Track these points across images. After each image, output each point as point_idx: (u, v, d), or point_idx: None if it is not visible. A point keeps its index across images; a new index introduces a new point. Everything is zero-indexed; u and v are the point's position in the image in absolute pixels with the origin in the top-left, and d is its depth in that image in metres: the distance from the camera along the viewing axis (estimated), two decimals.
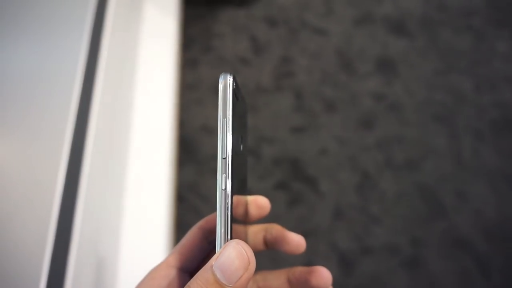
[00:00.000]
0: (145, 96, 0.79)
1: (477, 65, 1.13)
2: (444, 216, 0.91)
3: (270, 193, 0.91)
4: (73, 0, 0.43)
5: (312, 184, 0.93)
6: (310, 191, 0.92)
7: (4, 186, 0.31)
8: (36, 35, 0.39)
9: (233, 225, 0.22)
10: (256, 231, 0.25)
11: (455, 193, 0.94)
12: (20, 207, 0.31)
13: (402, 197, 0.93)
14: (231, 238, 0.20)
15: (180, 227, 0.83)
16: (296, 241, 0.24)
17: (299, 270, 0.24)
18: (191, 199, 0.88)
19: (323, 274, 0.23)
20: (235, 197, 0.21)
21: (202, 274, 0.18)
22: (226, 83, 0.22)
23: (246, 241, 0.24)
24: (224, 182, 0.20)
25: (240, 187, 0.23)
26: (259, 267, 0.83)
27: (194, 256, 0.24)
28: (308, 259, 0.85)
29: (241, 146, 0.24)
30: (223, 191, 0.20)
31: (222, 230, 0.20)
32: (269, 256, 0.93)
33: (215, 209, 0.27)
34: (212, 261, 0.18)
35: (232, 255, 0.18)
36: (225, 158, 0.21)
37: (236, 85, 0.23)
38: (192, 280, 0.18)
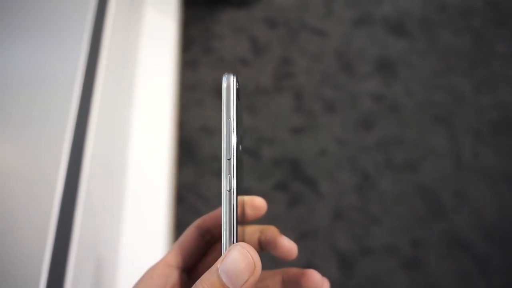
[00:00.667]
0: (145, 97, 0.79)
1: (477, 66, 1.13)
2: (443, 217, 0.92)
3: (270, 193, 0.91)
4: (73, 2, 0.43)
5: (312, 184, 0.93)
6: (309, 192, 0.92)
7: (4, 186, 0.31)
8: (36, 37, 0.40)
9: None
10: (251, 232, 0.26)
11: (454, 194, 0.94)
12: (21, 207, 0.31)
13: (402, 197, 0.93)
14: (237, 240, 0.20)
15: (180, 227, 0.83)
16: (287, 247, 0.23)
17: (293, 271, 0.24)
18: (190, 199, 0.88)
19: (314, 277, 0.23)
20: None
21: (208, 277, 0.18)
22: (229, 84, 0.22)
23: (243, 241, 0.24)
24: (229, 183, 0.20)
25: (239, 187, 0.23)
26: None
27: (192, 255, 0.24)
28: (308, 259, 0.85)
29: (240, 146, 0.24)
30: (228, 192, 0.20)
31: (228, 232, 0.20)
32: (268, 256, 0.92)
33: (214, 210, 0.27)
34: (218, 263, 0.18)
35: (238, 259, 0.18)
36: (230, 159, 0.20)
37: (238, 85, 0.23)
38: (197, 282, 0.18)
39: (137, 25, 0.83)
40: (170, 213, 0.75)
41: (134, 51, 0.80)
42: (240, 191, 0.23)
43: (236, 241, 0.20)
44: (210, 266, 0.25)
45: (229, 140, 0.21)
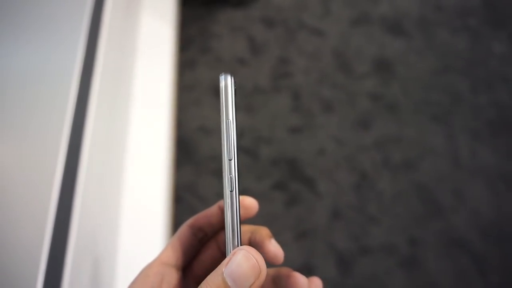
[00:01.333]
0: (143, 97, 0.79)
1: (474, 65, 1.14)
2: (441, 216, 0.92)
3: (268, 193, 0.91)
4: (70, 3, 0.43)
5: (310, 184, 0.93)
6: (307, 191, 0.92)
7: (1, 185, 0.31)
8: (33, 37, 0.39)
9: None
10: (243, 232, 0.26)
11: (452, 193, 0.95)
12: (17, 207, 0.31)
13: (400, 197, 0.93)
14: (240, 241, 0.20)
15: (178, 227, 0.83)
16: (272, 252, 0.23)
17: (283, 271, 0.24)
18: (188, 199, 0.88)
19: (298, 280, 0.23)
20: None
21: (213, 279, 0.18)
22: (227, 84, 0.21)
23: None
24: (232, 184, 0.20)
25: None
26: None
27: (186, 253, 0.24)
28: (306, 259, 0.85)
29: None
30: (231, 193, 0.20)
31: (231, 233, 0.20)
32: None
33: (207, 208, 0.27)
34: (223, 266, 0.18)
35: (243, 264, 0.18)
36: (231, 160, 0.20)
37: (235, 85, 0.22)
38: (202, 284, 0.18)
39: (135, 25, 0.83)
40: (168, 213, 0.75)
41: (132, 51, 0.79)
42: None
43: (240, 242, 0.20)
44: (205, 264, 0.25)
45: (230, 141, 0.20)
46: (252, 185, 0.92)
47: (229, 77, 0.21)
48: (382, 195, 0.93)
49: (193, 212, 0.93)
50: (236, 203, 0.20)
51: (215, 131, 0.97)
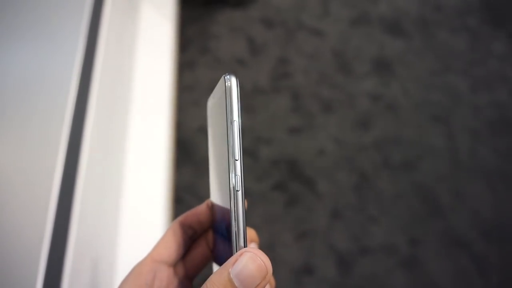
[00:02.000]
0: (142, 97, 0.79)
1: (473, 65, 1.14)
2: (441, 216, 0.92)
3: (268, 194, 0.91)
4: (69, 4, 0.43)
5: (310, 184, 0.93)
6: (307, 192, 0.92)
7: (0, 187, 0.31)
8: (32, 37, 0.39)
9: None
10: None
11: (452, 193, 0.94)
12: (16, 208, 0.31)
13: (400, 197, 0.93)
14: (246, 241, 0.20)
15: None
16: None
17: None
18: (188, 200, 0.88)
19: None
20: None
21: (218, 279, 0.18)
22: (232, 84, 0.21)
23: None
24: (237, 183, 0.20)
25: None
26: None
27: (176, 250, 0.25)
28: (307, 259, 0.85)
29: None
30: (238, 192, 0.20)
31: (237, 233, 0.20)
32: (268, 256, 0.92)
33: (196, 207, 0.27)
34: (229, 266, 0.18)
35: (250, 265, 0.18)
36: (237, 160, 0.20)
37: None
38: (207, 283, 0.18)
39: (134, 25, 0.83)
40: (168, 214, 0.75)
41: (131, 52, 0.79)
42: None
43: (246, 242, 0.20)
44: (195, 261, 0.26)
45: (236, 141, 0.20)
46: (252, 186, 0.92)
47: (233, 78, 0.21)
48: (382, 195, 0.93)
49: None
50: (242, 203, 0.20)
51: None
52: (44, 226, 0.30)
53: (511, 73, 1.12)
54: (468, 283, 0.85)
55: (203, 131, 0.97)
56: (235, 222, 0.20)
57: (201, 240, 0.27)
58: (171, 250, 0.24)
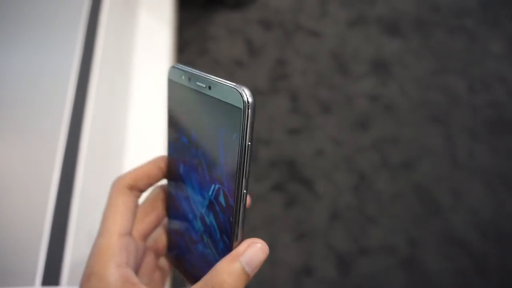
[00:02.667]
0: (141, 100, 0.79)
1: (471, 65, 1.14)
2: (440, 216, 0.92)
3: (267, 194, 0.91)
4: (67, 7, 0.43)
5: (309, 185, 0.93)
6: (306, 193, 0.92)
7: (0, 184, 0.31)
8: (30, 40, 0.39)
9: None
10: None
11: (450, 193, 0.95)
12: (16, 207, 0.31)
13: (398, 197, 0.94)
14: (243, 231, 0.21)
15: None
16: None
17: None
18: None
19: None
20: None
21: (230, 269, 0.20)
22: (249, 102, 0.18)
23: None
24: (244, 197, 0.20)
25: None
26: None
27: (130, 220, 0.23)
28: (306, 260, 0.85)
29: None
30: (244, 193, 0.20)
31: (240, 228, 0.21)
32: (267, 257, 0.92)
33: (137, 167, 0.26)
34: (238, 256, 0.20)
35: (260, 255, 0.20)
36: (247, 178, 0.20)
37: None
38: (225, 276, 0.20)
39: (132, 27, 0.83)
40: None
41: (129, 54, 0.80)
42: None
43: (243, 235, 0.21)
44: (151, 225, 0.25)
45: (248, 161, 0.20)
46: (251, 187, 0.92)
47: (247, 93, 0.18)
48: (380, 196, 0.93)
49: None
50: (245, 202, 0.21)
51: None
52: (43, 226, 0.30)
53: (509, 73, 1.13)
54: (467, 283, 0.85)
55: None
56: (237, 220, 0.21)
57: (148, 207, 0.26)
58: (131, 220, 0.23)
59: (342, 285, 0.83)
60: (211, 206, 0.22)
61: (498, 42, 1.18)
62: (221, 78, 0.20)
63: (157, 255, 0.26)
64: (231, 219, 0.21)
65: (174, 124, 0.23)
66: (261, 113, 1.03)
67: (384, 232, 0.89)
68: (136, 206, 0.24)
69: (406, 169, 0.97)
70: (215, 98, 0.20)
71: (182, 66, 0.22)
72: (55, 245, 0.31)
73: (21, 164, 0.33)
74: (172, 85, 0.23)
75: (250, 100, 0.18)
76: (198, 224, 0.23)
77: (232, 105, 0.19)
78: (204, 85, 0.20)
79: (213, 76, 0.20)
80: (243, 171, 0.19)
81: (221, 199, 0.21)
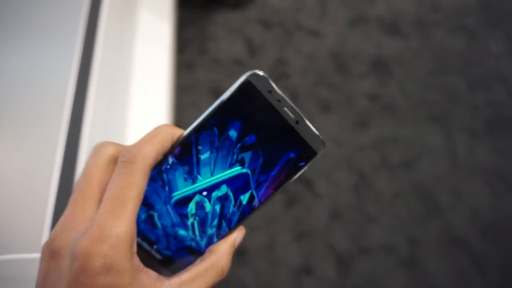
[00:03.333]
0: (140, 99, 0.79)
1: (471, 65, 1.14)
2: (440, 215, 0.92)
3: None
4: (66, 7, 0.43)
5: (309, 185, 0.93)
6: (306, 192, 0.92)
7: (1, 182, 0.31)
8: (29, 42, 0.39)
9: None
10: None
11: (450, 192, 0.95)
12: (15, 207, 0.31)
13: (398, 197, 0.94)
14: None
15: None
16: None
17: None
18: None
19: None
20: None
21: (226, 250, 0.22)
22: (321, 152, 0.24)
23: None
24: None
25: None
26: (259, 267, 0.82)
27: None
28: (306, 260, 0.85)
29: None
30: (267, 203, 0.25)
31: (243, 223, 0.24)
32: (266, 258, 0.93)
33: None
34: (233, 240, 0.23)
35: (242, 235, 0.24)
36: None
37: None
38: (225, 259, 0.22)
39: (131, 27, 0.83)
40: None
41: (129, 53, 0.79)
42: None
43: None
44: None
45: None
46: None
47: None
48: (380, 195, 0.93)
49: None
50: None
51: None
52: (42, 227, 0.30)
53: (509, 72, 1.13)
54: (468, 282, 0.85)
55: None
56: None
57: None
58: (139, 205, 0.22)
59: (342, 285, 0.83)
60: (223, 197, 0.24)
61: (498, 41, 1.18)
62: (305, 117, 0.23)
63: None
64: (245, 214, 0.24)
65: (225, 116, 0.24)
66: None
67: (384, 231, 0.89)
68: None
69: (406, 168, 0.97)
70: (297, 133, 0.23)
71: (271, 81, 0.25)
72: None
73: (21, 163, 0.33)
74: (248, 85, 0.24)
75: (323, 152, 0.23)
76: (191, 206, 0.24)
77: (311, 146, 0.23)
78: (293, 117, 0.23)
79: (300, 111, 0.23)
80: (282, 187, 0.24)
81: (244, 197, 0.24)
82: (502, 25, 1.21)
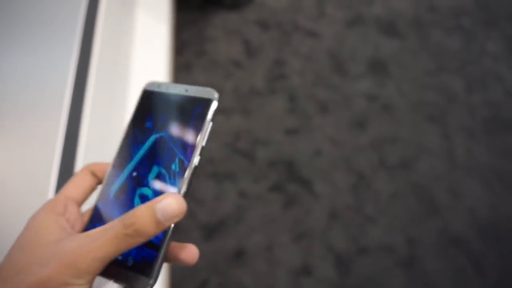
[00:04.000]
0: None
1: (468, 65, 1.14)
2: (438, 215, 0.92)
3: (265, 195, 0.92)
4: (64, 8, 0.43)
5: (307, 185, 0.94)
6: (305, 193, 0.93)
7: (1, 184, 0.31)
8: (28, 43, 0.39)
9: None
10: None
11: (448, 192, 0.95)
12: (15, 207, 0.31)
13: (397, 197, 0.94)
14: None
15: (176, 230, 0.83)
16: (194, 251, 0.27)
17: (172, 245, 0.26)
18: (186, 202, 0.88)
19: (192, 250, 0.27)
20: None
21: (142, 212, 0.22)
22: (217, 96, 0.27)
23: None
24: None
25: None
26: (258, 268, 0.82)
27: (84, 192, 0.28)
28: (305, 260, 0.85)
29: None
30: (197, 160, 0.26)
31: (183, 186, 0.26)
32: (265, 258, 0.93)
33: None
34: (155, 203, 0.23)
35: (173, 204, 0.23)
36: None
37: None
38: (129, 215, 0.22)
39: (130, 29, 0.83)
40: None
41: (127, 55, 0.79)
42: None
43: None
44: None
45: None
46: (249, 187, 0.92)
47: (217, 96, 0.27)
48: (379, 196, 0.93)
49: (191, 215, 0.92)
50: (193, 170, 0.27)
51: (212, 133, 0.97)
52: None
53: (505, 72, 1.13)
54: (466, 282, 0.85)
55: None
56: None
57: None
58: (80, 191, 0.28)
59: (341, 285, 0.83)
60: (154, 173, 0.27)
61: (495, 41, 1.19)
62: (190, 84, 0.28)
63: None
64: (182, 177, 0.26)
65: (140, 116, 0.29)
66: (259, 113, 1.03)
67: (383, 231, 0.89)
68: (90, 184, 0.29)
69: (404, 168, 0.97)
70: (191, 96, 0.27)
71: (156, 81, 0.30)
72: None
73: (19, 162, 0.33)
74: (146, 93, 0.29)
75: (218, 95, 0.27)
76: (130, 194, 0.27)
77: (206, 98, 0.27)
78: (182, 89, 0.28)
79: (180, 83, 0.28)
80: (202, 141, 0.26)
81: (174, 165, 0.26)
82: (498, 25, 1.22)
